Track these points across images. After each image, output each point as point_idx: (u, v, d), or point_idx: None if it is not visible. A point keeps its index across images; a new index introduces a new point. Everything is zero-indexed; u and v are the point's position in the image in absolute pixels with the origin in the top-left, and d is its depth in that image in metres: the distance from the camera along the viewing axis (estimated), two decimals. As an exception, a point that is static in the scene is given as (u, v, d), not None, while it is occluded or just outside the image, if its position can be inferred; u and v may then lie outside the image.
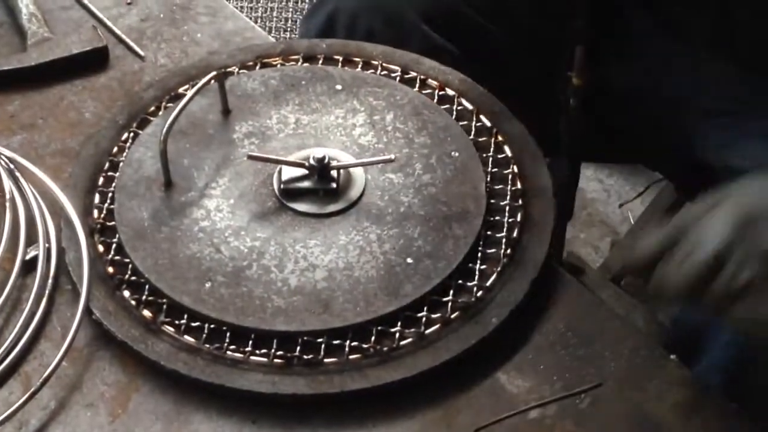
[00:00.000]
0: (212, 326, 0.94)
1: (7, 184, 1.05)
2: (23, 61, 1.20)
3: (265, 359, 0.93)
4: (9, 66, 1.19)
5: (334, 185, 1.02)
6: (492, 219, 1.02)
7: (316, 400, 0.91)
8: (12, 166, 1.07)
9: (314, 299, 0.95)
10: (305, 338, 0.93)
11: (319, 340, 0.93)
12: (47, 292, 0.98)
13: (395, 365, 0.92)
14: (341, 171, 1.02)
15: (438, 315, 0.95)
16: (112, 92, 1.18)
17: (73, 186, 1.06)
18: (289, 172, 1.02)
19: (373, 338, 0.93)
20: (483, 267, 0.99)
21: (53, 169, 1.09)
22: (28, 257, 1.00)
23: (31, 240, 1.01)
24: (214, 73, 1.08)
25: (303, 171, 1.02)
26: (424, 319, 0.95)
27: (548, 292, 0.99)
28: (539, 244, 1.00)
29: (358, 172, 1.03)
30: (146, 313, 0.96)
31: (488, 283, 0.97)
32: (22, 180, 1.06)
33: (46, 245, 1.01)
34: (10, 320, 0.97)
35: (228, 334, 0.94)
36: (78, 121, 1.15)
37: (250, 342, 0.93)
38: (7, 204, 1.03)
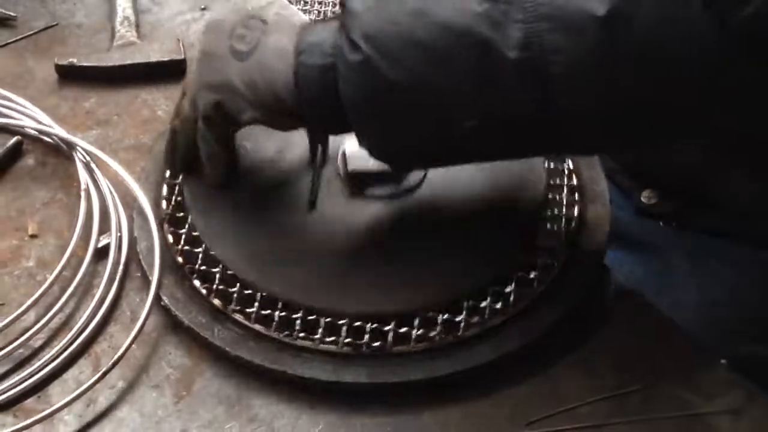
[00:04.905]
0: (282, 312, 0.96)
1: (83, 175, 1.09)
2: (103, 60, 1.25)
3: (333, 347, 0.94)
4: (88, 63, 1.24)
5: None
6: (551, 215, 1.04)
7: (376, 389, 0.93)
8: (88, 158, 1.11)
9: (382, 284, 0.97)
10: (373, 324, 0.95)
11: (387, 328, 0.94)
12: (118, 278, 1.01)
13: (456, 357, 0.94)
14: None
15: (499, 306, 0.96)
16: (184, 93, 1.22)
17: (146, 179, 1.10)
18: (354, 161, 1.03)
19: (438, 327, 0.95)
20: (543, 261, 1.00)
21: (126, 163, 1.12)
22: (100, 245, 1.04)
23: (104, 229, 1.05)
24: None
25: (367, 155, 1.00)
26: (487, 309, 0.96)
27: (603, 293, 1.01)
28: (597, 247, 1.02)
29: None
30: (216, 301, 0.98)
31: (548, 279, 0.99)
32: (97, 172, 1.10)
33: (118, 234, 1.05)
34: (81, 304, 1.01)
35: (298, 321, 0.95)
36: (151, 119, 1.20)
37: (320, 329, 0.95)
38: (82, 194, 1.07)
